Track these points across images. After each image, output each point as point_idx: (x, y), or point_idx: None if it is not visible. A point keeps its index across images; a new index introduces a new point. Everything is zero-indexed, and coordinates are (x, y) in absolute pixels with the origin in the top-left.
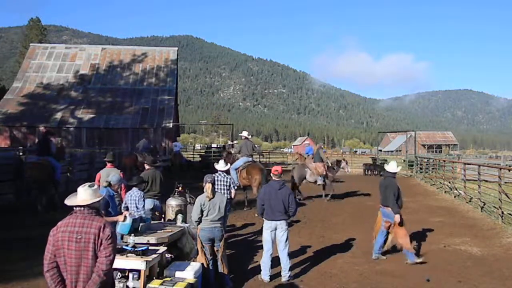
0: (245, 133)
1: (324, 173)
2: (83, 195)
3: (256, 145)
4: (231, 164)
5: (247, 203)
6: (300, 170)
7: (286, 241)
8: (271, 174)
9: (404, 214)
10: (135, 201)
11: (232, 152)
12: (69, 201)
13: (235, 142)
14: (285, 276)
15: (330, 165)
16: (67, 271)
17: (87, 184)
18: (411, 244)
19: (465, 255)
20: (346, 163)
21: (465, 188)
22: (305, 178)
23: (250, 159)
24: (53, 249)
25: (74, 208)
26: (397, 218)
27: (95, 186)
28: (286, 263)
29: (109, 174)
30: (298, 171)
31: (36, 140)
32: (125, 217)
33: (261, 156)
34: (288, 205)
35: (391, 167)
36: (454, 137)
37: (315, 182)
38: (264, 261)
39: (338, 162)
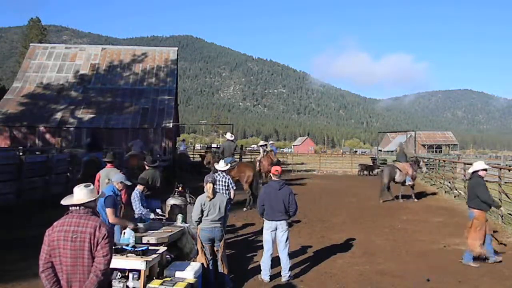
0: (228, 135)
1: (413, 173)
2: (79, 194)
3: (237, 147)
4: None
5: (248, 203)
6: (391, 171)
7: (286, 241)
8: (271, 174)
9: (404, 214)
10: (133, 202)
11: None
12: (65, 201)
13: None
14: (285, 276)
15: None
16: (62, 271)
17: (83, 184)
18: (479, 249)
19: None
20: (422, 162)
21: (465, 188)
22: (394, 179)
23: (233, 158)
24: (49, 249)
25: (70, 208)
26: (478, 215)
27: (91, 186)
28: (286, 263)
29: (109, 174)
30: (389, 172)
31: (88, 139)
32: (125, 232)
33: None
34: (289, 205)
35: (474, 166)
36: (454, 137)
37: (403, 182)
38: (264, 261)
39: (417, 162)
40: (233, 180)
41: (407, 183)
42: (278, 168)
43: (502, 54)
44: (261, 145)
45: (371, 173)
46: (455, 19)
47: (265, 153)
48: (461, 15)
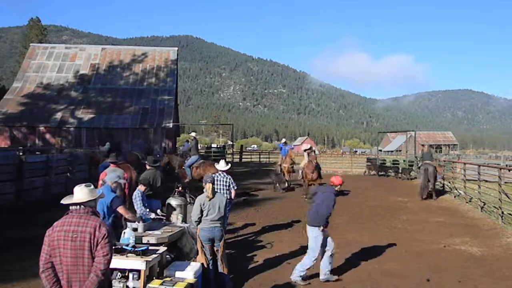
0: (193, 134)
1: (440, 171)
2: (79, 194)
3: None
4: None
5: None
6: (434, 170)
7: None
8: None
9: (404, 214)
10: (135, 202)
11: (181, 149)
12: (65, 201)
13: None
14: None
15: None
16: (62, 271)
17: (83, 184)
18: None
19: (465, 255)
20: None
21: (465, 188)
22: (434, 177)
23: (199, 157)
24: (49, 249)
25: (70, 207)
26: None
27: (91, 186)
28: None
29: (114, 172)
30: (433, 171)
31: (106, 144)
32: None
33: (260, 156)
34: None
35: None
36: (454, 137)
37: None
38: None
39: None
40: (198, 177)
41: (438, 180)
42: (333, 178)
43: (502, 54)
44: (304, 150)
45: (381, 173)
46: (455, 19)
47: (309, 157)
48: (461, 15)
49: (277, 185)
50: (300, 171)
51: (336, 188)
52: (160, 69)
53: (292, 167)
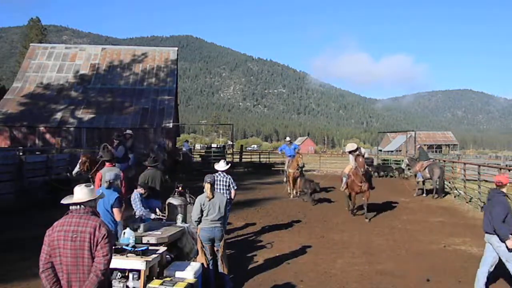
0: (129, 131)
1: None
2: (79, 194)
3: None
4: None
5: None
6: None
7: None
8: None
9: (404, 214)
10: (134, 203)
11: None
12: (65, 201)
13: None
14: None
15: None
16: (62, 271)
17: (83, 184)
18: None
19: (465, 255)
20: None
21: (465, 188)
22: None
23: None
24: (49, 249)
25: (70, 207)
26: None
27: (91, 186)
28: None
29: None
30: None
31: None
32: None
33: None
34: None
35: None
36: (454, 137)
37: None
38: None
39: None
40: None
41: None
42: (499, 177)
43: (502, 54)
44: (349, 152)
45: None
46: (455, 20)
47: (355, 163)
48: (461, 16)
49: (308, 195)
50: (343, 179)
51: (503, 189)
52: (160, 69)
53: (300, 171)
